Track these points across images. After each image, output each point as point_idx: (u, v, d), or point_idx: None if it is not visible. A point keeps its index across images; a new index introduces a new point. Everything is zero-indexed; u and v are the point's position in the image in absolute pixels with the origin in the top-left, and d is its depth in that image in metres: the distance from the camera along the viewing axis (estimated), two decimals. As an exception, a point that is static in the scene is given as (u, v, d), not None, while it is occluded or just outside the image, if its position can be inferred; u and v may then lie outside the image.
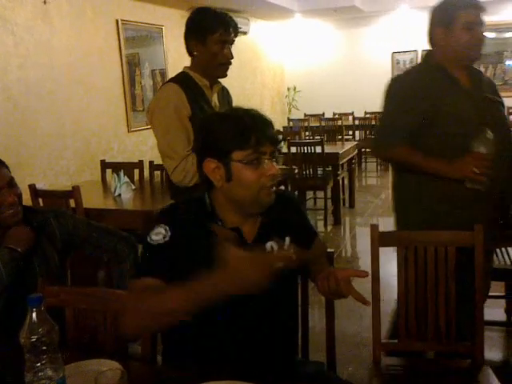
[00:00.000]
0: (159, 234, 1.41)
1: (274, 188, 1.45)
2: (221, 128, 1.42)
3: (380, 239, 1.96)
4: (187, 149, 2.17)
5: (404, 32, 9.95)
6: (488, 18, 8.24)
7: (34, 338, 1.08)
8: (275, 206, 1.49)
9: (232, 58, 2.31)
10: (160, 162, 4.82)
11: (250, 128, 1.39)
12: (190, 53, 2.32)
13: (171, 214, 1.48)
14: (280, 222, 1.52)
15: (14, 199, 1.75)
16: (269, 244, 1.48)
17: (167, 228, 1.41)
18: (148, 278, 1.37)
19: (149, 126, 6.91)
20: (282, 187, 6.08)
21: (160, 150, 2.27)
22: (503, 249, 2.90)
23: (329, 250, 1.80)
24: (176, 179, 2.22)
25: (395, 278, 1.97)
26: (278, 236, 1.50)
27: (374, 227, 1.97)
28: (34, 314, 1.10)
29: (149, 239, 1.41)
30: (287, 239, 1.50)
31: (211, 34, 2.22)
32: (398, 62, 10.23)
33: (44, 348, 1.09)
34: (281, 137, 1.60)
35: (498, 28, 9.22)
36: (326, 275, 1.39)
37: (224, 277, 1.19)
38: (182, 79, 2.30)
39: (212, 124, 1.46)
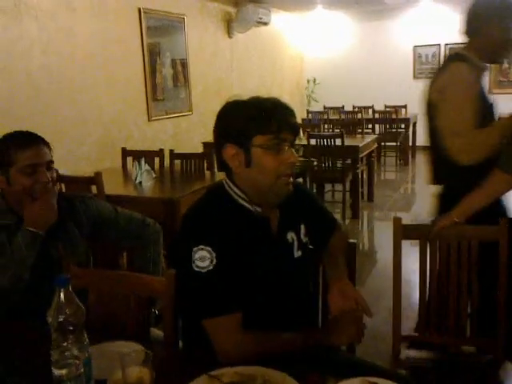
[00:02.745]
0: (205, 260, 1.35)
1: (292, 179, 1.46)
2: (242, 113, 1.42)
3: (403, 232, 1.94)
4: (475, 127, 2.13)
5: (426, 25, 9.81)
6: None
7: (61, 318, 1.09)
8: (290, 198, 1.52)
9: None
10: (181, 151, 4.88)
11: (271, 113, 1.40)
12: (471, 33, 2.29)
13: (206, 228, 1.40)
14: (295, 212, 1.57)
15: (49, 180, 1.77)
16: (289, 235, 1.54)
17: (209, 249, 1.35)
18: (231, 317, 1.36)
19: (168, 116, 6.92)
20: (300, 179, 6.08)
21: (446, 127, 2.18)
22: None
23: (351, 240, 1.79)
24: (463, 158, 2.11)
25: (414, 272, 1.96)
26: (295, 226, 1.57)
27: (396, 220, 1.97)
28: (61, 295, 1.11)
29: (196, 268, 1.35)
30: (302, 227, 1.59)
31: (508, 19, 2.22)
32: (419, 56, 10.11)
33: (70, 328, 1.10)
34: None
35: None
36: (339, 291, 1.50)
37: (328, 334, 1.43)
38: (465, 59, 2.26)
39: (233, 110, 1.45)
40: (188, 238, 1.40)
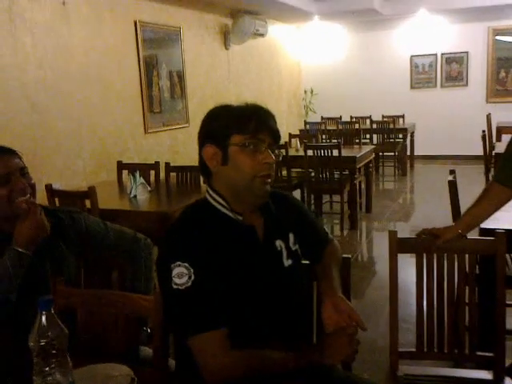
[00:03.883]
0: (183, 276, 1.31)
1: (270, 180, 1.45)
2: (222, 115, 1.46)
3: (398, 246, 1.91)
4: None
5: (423, 35, 9.84)
6: (505, 23, 8.19)
7: (43, 342, 1.06)
8: (274, 205, 1.53)
9: None
10: (178, 164, 4.83)
11: (249, 114, 1.43)
12: None
13: (182, 243, 1.38)
14: (282, 222, 1.55)
15: (26, 185, 1.72)
16: (277, 243, 1.52)
17: (187, 265, 1.32)
18: (216, 333, 1.31)
19: (165, 128, 6.89)
20: (298, 191, 6.04)
21: None
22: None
23: (345, 255, 1.75)
24: None
25: (412, 284, 1.92)
26: (283, 234, 1.54)
27: (392, 233, 1.92)
28: (43, 317, 1.07)
29: (174, 286, 1.32)
30: (291, 236, 1.56)
31: None
32: (416, 66, 10.13)
33: (53, 352, 1.07)
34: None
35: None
36: (332, 306, 1.46)
37: (321, 353, 1.36)
38: None
39: (215, 112, 1.48)
40: (166, 255, 1.38)
